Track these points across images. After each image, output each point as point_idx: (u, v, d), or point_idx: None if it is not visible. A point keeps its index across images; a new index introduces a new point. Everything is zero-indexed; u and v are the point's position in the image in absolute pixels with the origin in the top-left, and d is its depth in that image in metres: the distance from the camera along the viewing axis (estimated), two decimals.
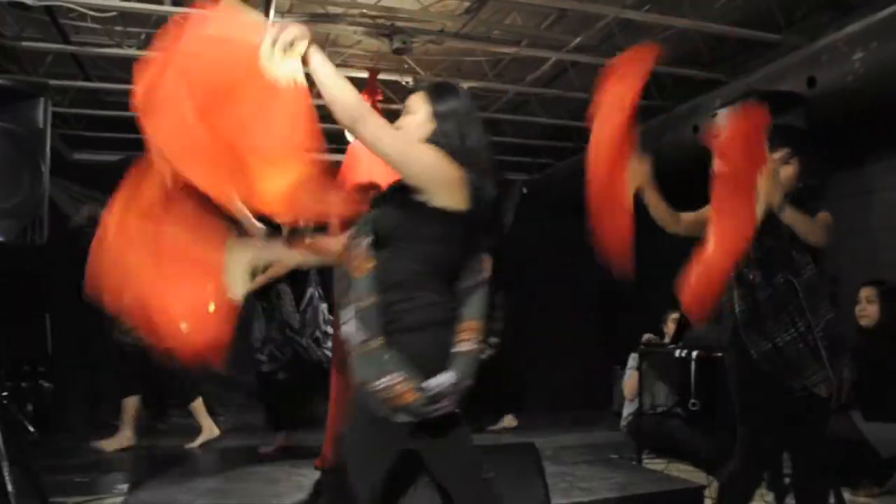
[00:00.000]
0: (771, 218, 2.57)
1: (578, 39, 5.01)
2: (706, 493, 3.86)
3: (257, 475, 4.15)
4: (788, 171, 2.72)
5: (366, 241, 1.99)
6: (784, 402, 2.60)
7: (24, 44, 4.80)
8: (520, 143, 7.40)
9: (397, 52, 4.85)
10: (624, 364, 5.64)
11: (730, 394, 2.80)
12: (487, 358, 2.27)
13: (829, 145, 4.40)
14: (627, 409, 5.48)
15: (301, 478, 3.98)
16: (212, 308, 2.71)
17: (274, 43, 1.92)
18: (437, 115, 2.05)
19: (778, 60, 4.82)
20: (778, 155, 2.71)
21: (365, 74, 5.08)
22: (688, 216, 2.94)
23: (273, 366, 4.47)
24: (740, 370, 2.71)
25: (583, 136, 7.52)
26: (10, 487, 2.96)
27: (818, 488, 2.76)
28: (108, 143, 6.59)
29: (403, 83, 5.43)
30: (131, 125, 7.04)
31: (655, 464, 4.78)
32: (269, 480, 3.99)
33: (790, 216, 2.58)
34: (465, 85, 5.45)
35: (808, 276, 2.62)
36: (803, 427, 2.63)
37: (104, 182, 6.83)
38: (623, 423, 5.51)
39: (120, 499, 3.75)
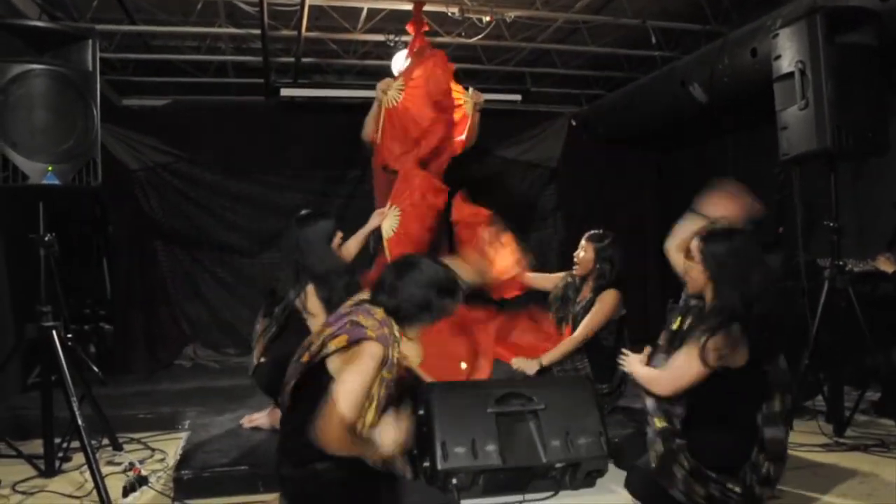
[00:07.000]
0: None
1: None
2: None
3: None
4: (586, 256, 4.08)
5: None
6: None
7: None
8: (568, 74, 7.17)
9: None
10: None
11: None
12: None
13: None
14: None
15: None
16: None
17: None
18: None
19: None
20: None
21: (409, 6, 4.94)
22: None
23: None
24: None
25: (634, 65, 7.27)
26: (80, 422, 3.08)
27: None
28: (156, 88, 6.62)
29: (449, 14, 5.28)
30: (177, 68, 7.06)
31: None
32: None
33: None
34: (513, 14, 5.35)
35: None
36: None
37: (154, 127, 6.92)
38: None
39: (183, 434, 3.88)
